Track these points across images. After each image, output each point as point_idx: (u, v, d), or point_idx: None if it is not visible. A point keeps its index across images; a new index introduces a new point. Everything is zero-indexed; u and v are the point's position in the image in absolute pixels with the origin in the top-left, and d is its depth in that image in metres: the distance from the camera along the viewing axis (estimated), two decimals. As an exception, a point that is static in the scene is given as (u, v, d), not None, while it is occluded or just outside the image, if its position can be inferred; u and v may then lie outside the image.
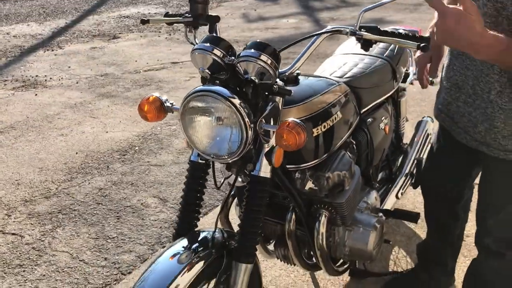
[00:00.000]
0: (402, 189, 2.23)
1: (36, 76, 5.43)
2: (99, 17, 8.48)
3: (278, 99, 1.33)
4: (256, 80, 1.26)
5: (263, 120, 1.26)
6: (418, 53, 1.79)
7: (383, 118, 2.01)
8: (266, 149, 1.31)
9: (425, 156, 2.24)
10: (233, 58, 1.29)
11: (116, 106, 4.45)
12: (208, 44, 1.30)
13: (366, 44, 1.34)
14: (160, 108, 1.37)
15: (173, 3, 9.43)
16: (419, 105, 4.06)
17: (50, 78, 5.35)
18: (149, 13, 8.58)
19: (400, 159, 2.38)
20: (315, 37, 1.38)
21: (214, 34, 1.50)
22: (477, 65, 1.42)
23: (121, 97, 4.67)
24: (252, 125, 1.24)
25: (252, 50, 1.25)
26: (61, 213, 2.78)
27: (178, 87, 4.88)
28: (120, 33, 7.34)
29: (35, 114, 4.32)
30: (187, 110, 1.28)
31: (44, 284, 2.22)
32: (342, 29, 1.35)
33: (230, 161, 1.31)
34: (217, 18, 1.57)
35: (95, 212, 2.78)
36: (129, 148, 3.59)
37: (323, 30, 1.38)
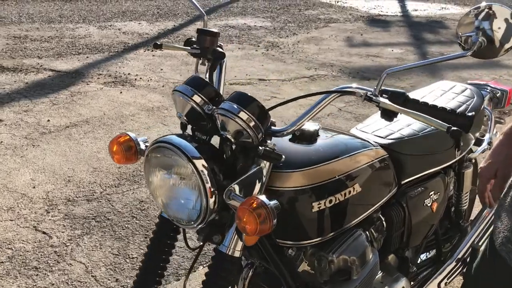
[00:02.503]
0: (448, 279, 1.85)
1: (128, 74, 5.62)
2: (206, 23, 8.67)
3: (264, 164, 1.10)
4: (232, 139, 1.05)
5: (235, 187, 1.04)
6: (484, 162, 1.38)
7: (431, 193, 1.67)
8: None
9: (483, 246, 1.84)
10: (214, 107, 1.09)
11: (189, 116, 4.42)
12: (189, 88, 1.11)
13: (387, 114, 1.06)
14: (131, 150, 1.21)
15: (281, 18, 9.38)
16: None
17: (140, 78, 5.50)
18: (255, 25, 8.60)
19: (456, 239, 1.99)
20: (323, 95, 1.13)
21: (200, 76, 1.29)
22: None
23: (197, 108, 4.64)
24: (217, 192, 1.03)
25: (234, 104, 1.04)
26: (95, 220, 2.74)
27: (255, 106, 4.74)
28: (220, 42, 7.41)
29: (112, 112, 4.42)
30: (150, 159, 1.10)
31: (48, 295, 2.17)
32: (356, 91, 1.08)
33: (196, 227, 1.10)
34: (222, 55, 1.38)
35: (126, 225, 2.71)
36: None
37: (334, 89, 1.13)
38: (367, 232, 1.43)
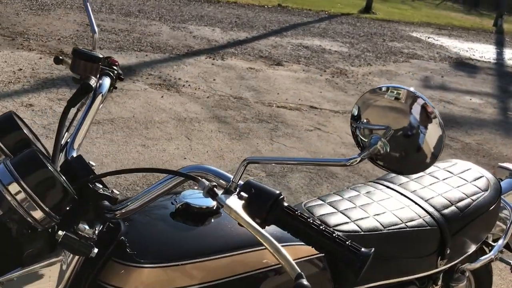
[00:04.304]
0: None
1: (179, 79, 5.48)
2: (280, 40, 8.43)
3: (66, 255, 0.77)
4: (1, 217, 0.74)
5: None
6: None
7: (388, 309, 1.25)
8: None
9: None
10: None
11: (217, 134, 4.16)
12: None
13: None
14: None
15: (360, 46, 8.92)
16: None
17: (189, 85, 5.34)
18: (329, 49, 8.22)
19: None
20: (166, 176, 0.79)
21: (15, 116, 0.97)
22: None
23: (230, 127, 4.37)
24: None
25: (8, 168, 0.73)
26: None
27: (292, 135, 4.38)
28: (286, 61, 7.13)
29: (142, 115, 4.27)
30: None
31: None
32: (200, 180, 0.73)
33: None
34: (89, 89, 1.07)
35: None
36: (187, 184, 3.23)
37: (180, 170, 0.79)
38: None
